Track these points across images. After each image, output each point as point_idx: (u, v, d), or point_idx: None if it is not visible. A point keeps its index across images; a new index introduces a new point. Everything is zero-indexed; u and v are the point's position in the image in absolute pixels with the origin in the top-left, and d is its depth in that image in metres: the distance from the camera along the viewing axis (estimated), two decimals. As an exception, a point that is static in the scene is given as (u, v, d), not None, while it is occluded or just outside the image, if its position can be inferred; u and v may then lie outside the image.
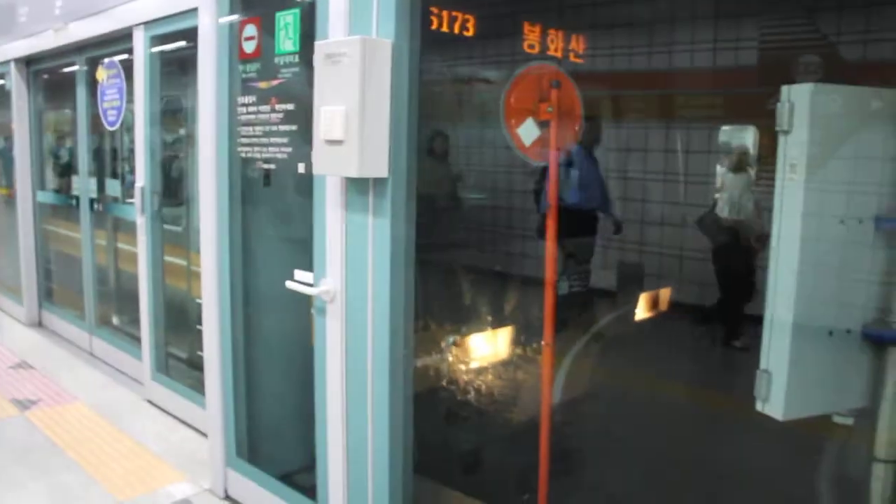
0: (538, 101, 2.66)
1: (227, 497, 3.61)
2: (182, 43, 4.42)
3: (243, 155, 3.25)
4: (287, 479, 3.41)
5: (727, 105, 5.87)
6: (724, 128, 5.86)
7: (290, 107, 2.97)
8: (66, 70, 5.96)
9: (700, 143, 5.91)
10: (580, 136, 4.79)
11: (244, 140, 3.22)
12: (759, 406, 2.25)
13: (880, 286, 2.22)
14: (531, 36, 3.09)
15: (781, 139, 2.09)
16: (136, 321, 5.14)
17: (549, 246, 2.76)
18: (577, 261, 4.42)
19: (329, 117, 2.49)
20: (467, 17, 2.95)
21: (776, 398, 2.22)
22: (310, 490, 3.16)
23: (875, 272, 2.20)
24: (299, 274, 2.98)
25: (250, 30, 3.11)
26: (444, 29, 2.91)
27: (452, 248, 4.94)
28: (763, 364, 2.24)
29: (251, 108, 3.15)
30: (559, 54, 3.24)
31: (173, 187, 5.20)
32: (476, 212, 5.98)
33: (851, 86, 2.14)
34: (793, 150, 2.07)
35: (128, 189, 5.33)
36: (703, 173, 5.98)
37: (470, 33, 3.04)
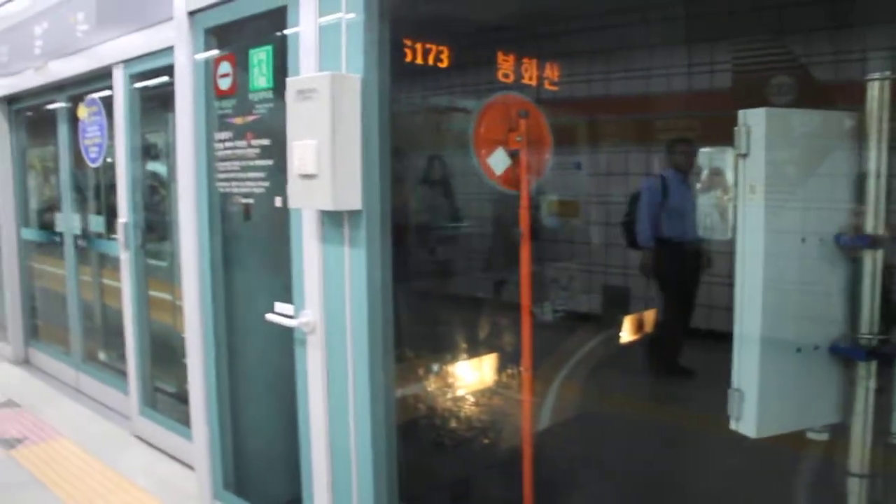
0: (507, 131, 2.71)
1: (215, 532, 3.60)
2: (163, 79, 4.47)
3: (222, 190, 3.29)
4: (274, 511, 3.42)
5: (703, 127, 5.96)
6: (703, 150, 5.94)
7: (266, 142, 3.02)
8: (48, 108, 6.00)
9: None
10: (674, 160, 4.79)
11: (222, 175, 3.26)
12: (732, 424, 2.28)
13: (844, 302, 2.26)
14: (505, 65, 3.15)
15: (740, 162, 2.15)
16: (122, 356, 5.14)
17: (524, 272, 2.80)
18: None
19: (302, 152, 2.53)
20: (441, 48, 3.01)
21: (748, 416, 2.25)
22: (297, 522, 3.16)
23: (838, 288, 2.24)
24: (279, 306, 3.00)
25: (225, 67, 3.16)
26: (419, 61, 2.97)
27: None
28: (735, 383, 2.27)
29: (228, 144, 3.20)
30: (533, 82, 3.30)
31: (156, 222, 5.22)
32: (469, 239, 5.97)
33: (805, 109, 2.21)
34: (751, 171, 2.13)
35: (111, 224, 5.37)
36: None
37: (444, 65, 3.09)
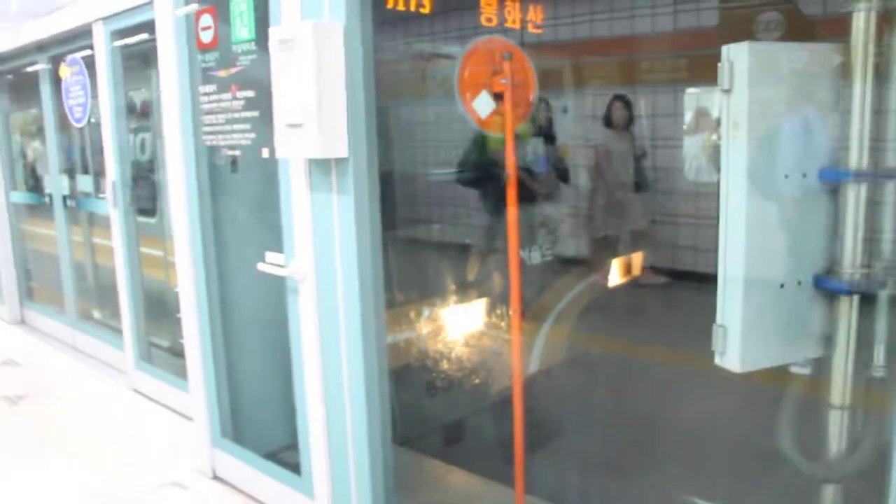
0: (492, 74, 2.71)
1: (216, 477, 3.68)
2: (144, 36, 4.43)
3: (208, 143, 3.28)
4: (272, 457, 3.49)
5: (691, 67, 5.94)
6: (689, 91, 5.92)
7: (251, 93, 3.00)
8: (30, 69, 5.94)
9: (665, 106, 5.97)
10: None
11: (208, 129, 3.26)
12: (717, 360, 2.33)
13: (828, 238, 2.28)
14: (488, 9, 3.13)
15: (724, 98, 2.15)
16: (116, 314, 5.18)
17: (511, 216, 2.82)
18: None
19: (287, 101, 2.53)
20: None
21: (732, 351, 2.28)
22: (294, 466, 3.24)
23: (822, 225, 2.27)
24: (270, 256, 3.03)
25: (206, 20, 3.12)
26: (401, 7, 2.94)
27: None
28: (718, 319, 2.30)
29: (213, 97, 3.18)
30: (517, 25, 3.28)
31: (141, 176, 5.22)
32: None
33: (788, 43, 2.21)
34: (735, 108, 2.13)
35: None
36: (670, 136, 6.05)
37: (426, 10, 3.07)
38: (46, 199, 6.07)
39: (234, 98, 3.06)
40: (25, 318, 6.87)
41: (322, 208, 2.73)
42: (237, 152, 3.16)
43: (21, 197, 6.69)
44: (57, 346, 6.10)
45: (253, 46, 2.93)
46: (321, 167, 2.68)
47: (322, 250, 2.77)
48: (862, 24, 2.07)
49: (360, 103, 2.59)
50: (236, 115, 3.09)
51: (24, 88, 6.53)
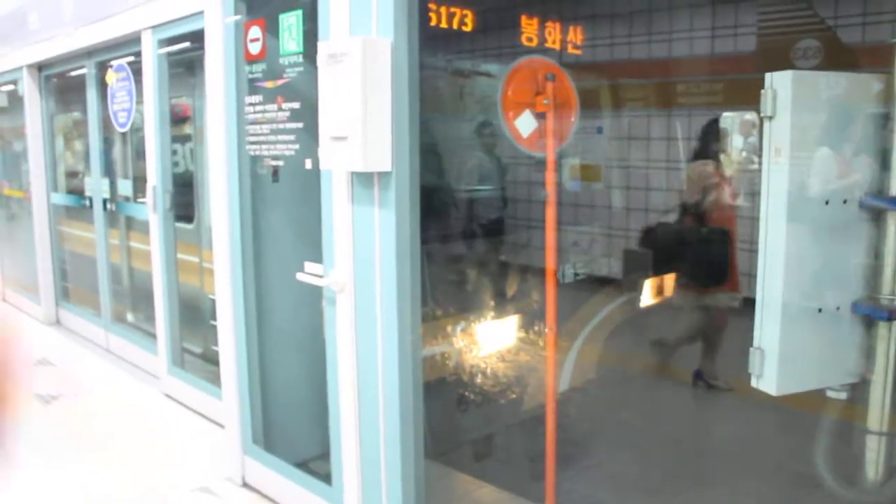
0: (535, 94, 2.75)
1: (245, 484, 3.71)
2: (188, 44, 4.53)
3: (252, 153, 3.35)
4: (302, 466, 3.52)
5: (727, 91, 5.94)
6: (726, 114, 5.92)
7: (297, 105, 3.07)
8: (76, 74, 6.08)
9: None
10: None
11: (252, 138, 3.33)
12: (753, 382, 2.34)
13: (866, 264, 2.30)
14: (528, 29, 3.17)
15: (766, 124, 2.17)
16: (150, 318, 5.26)
17: (549, 235, 2.85)
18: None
19: (334, 114, 2.59)
20: (465, 12, 3.03)
21: (769, 375, 2.30)
22: (324, 477, 3.27)
23: (860, 250, 2.28)
24: (309, 266, 3.08)
25: (255, 31, 3.21)
26: (443, 25, 3.00)
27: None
28: (756, 342, 2.32)
29: (258, 107, 3.26)
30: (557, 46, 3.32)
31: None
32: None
33: (831, 72, 2.23)
34: (777, 134, 2.16)
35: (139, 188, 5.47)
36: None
37: (468, 28, 3.12)
38: (87, 202, 6.18)
39: (280, 109, 3.13)
40: (60, 319, 7.00)
41: (363, 221, 2.78)
42: (280, 162, 3.23)
43: (61, 199, 6.82)
44: (90, 348, 6.20)
45: (300, 59, 3.00)
46: (364, 180, 2.73)
47: (362, 262, 2.82)
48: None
49: (404, 118, 2.64)
50: (281, 126, 3.15)
51: (67, 92, 6.70)
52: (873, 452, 2.34)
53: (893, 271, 2.24)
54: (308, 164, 3.05)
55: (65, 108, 6.95)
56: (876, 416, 2.32)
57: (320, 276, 2.99)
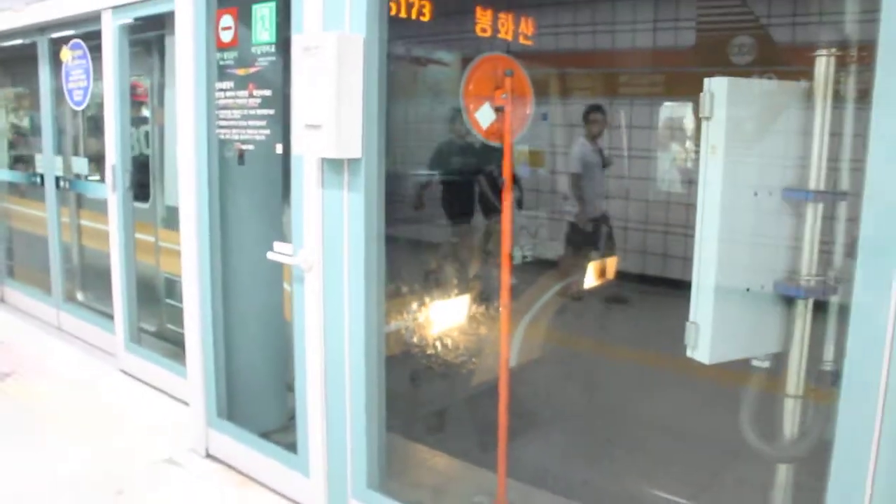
0: (494, 89, 2.96)
1: (209, 455, 3.82)
2: (150, 24, 4.57)
3: (221, 136, 3.49)
4: (265, 437, 3.65)
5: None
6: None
7: (268, 92, 3.22)
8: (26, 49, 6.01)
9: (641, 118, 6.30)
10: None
11: (222, 122, 3.46)
12: (688, 352, 2.62)
13: (788, 249, 2.59)
14: (483, 20, 3.36)
15: (704, 124, 2.44)
16: (101, 297, 5.26)
17: (505, 218, 3.08)
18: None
19: (307, 103, 2.76)
20: (423, 2, 3.21)
21: (703, 346, 2.58)
22: (287, 447, 3.43)
23: (783, 237, 2.57)
24: (279, 245, 3.24)
25: (227, 20, 3.33)
26: (402, 14, 3.17)
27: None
28: (692, 317, 2.60)
29: (229, 93, 3.39)
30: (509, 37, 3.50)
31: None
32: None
33: (761, 79, 2.51)
34: (713, 133, 2.42)
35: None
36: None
37: (426, 18, 3.29)
38: (37, 180, 6.14)
39: (251, 96, 3.27)
40: (4, 297, 6.93)
41: (332, 204, 2.96)
42: (250, 146, 3.37)
43: (7, 175, 6.74)
44: (40, 326, 6.17)
45: (272, 49, 3.15)
46: (334, 166, 2.91)
47: (330, 242, 3.00)
48: (823, 67, 2.39)
49: (374, 108, 2.83)
50: (251, 112, 3.30)
51: (10, 65, 6.57)
52: (790, 414, 2.65)
53: (810, 255, 2.54)
54: (279, 148, 3.20)
55: (10, 81, 6.84)
56: (793, 383, 2.63)
57: (290, 255, 3.16)
